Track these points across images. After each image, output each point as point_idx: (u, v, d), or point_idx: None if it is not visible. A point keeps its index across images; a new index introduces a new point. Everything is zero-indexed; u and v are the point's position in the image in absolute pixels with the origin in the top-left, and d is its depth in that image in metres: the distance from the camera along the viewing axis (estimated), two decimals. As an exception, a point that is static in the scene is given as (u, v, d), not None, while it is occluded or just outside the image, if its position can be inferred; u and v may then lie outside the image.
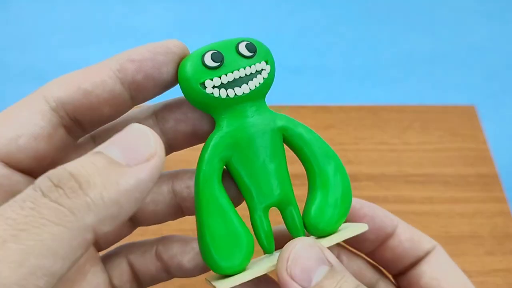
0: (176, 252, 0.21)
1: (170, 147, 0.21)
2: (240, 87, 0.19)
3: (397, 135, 0.41)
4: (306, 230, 0.21)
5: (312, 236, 0.21)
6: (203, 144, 0.20)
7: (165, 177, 0.21)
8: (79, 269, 0.19)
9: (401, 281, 0.24)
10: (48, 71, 0.97)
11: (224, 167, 0.20)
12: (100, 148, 0.16)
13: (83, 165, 0.15)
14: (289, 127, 0.20)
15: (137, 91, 0.19)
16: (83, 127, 0.19)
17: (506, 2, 1.08)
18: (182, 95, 0.20)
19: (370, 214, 0.23)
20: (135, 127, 0.16)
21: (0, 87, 0.95)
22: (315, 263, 0.18)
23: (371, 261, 0.25)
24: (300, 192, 0.22)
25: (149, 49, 0.19)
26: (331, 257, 0.19)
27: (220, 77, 0.19)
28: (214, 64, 0.19)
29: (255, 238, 0.20)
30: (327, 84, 0.95)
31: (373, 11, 1.08)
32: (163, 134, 0.21)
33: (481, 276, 0.33)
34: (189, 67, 0.19)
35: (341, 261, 0.23)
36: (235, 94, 0.19)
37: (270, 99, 0.21)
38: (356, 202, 0.23)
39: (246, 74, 0.19)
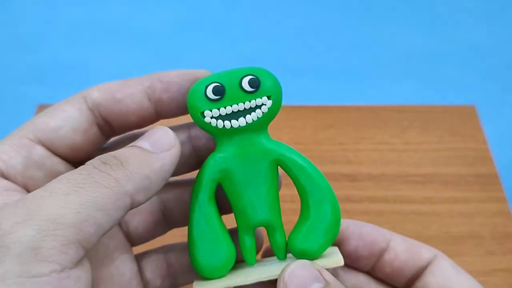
0: None
1: (199, 162, 0.23)
2: (237, 120, 0.21)
3: (397, 135, 0.41)
4: (289, 252, 0.22)
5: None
6: None
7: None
8: (107, 253, 0.22)
9: None
10: (48, 71, 0.97)
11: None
12: (133, 143, 0.20)
13: (122, 151, 0.19)
14: (283, 159, 0.21)
15: (162, 108, 0.22)
16: (112, 129, 0.22)
17: (506, 2, 1.08)
18: None
19: (358, 231, 0.24)
20: (159, 127, 0.20)
21: (0, 87, 0.95)
22: (310, 281, 0.19)
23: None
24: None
25: (178, 74, 0.22)
26: (327, 275, 0.20)
27: (219, 109, 0.21)
28: (214, 97, 0.21)
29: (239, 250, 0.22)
30: (327, 84, 0.95)
31: (373, 10, 1.08)
32: (194, 151, 0.23)
33: (481, 276, 0.32)
34: (192, 96, 0.21)
35: (336, 275, 0.24)
36: (231, 126, 0.21)
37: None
38: (342, 222, 0.23)
39: (245, 108, 0.21)
